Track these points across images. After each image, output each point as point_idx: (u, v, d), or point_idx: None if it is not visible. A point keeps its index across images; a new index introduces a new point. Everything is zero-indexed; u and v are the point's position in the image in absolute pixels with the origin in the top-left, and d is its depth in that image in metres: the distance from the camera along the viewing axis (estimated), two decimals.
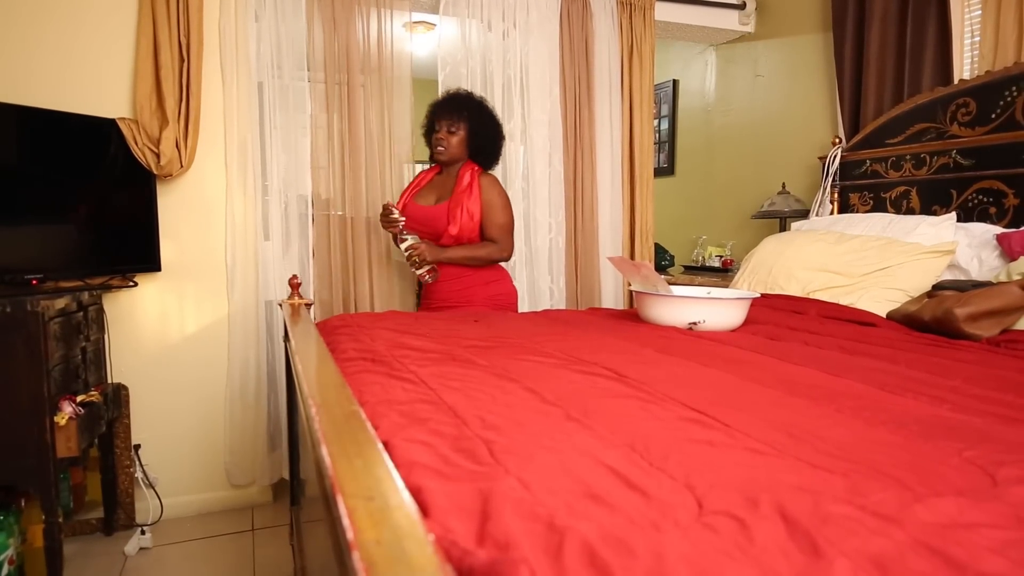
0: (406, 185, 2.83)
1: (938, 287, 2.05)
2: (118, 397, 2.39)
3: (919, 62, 2.68)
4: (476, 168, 2.45)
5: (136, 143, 2.32)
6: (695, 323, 1.80)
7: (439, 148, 2.43)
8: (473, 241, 2.42)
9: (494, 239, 2.43)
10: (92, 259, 2.33)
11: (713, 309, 1.82)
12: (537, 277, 3.05)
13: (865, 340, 1.66)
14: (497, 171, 3.00)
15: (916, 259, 2.17)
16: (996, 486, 0.72)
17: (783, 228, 3.23)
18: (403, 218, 2.35)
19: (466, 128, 2.43)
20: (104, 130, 2.30)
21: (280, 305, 2.09)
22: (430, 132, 2.48)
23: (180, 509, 2.58)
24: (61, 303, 2.00)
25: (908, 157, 2.68)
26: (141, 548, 2.33)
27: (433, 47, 4.09)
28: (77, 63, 2.36)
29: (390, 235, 2.82)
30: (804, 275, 2.35)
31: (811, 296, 2.26)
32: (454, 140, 2.43)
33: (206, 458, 2.63)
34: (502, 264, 2.56)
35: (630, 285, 2.02)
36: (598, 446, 0.83)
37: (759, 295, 2.03)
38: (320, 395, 0.87)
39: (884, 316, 2.02)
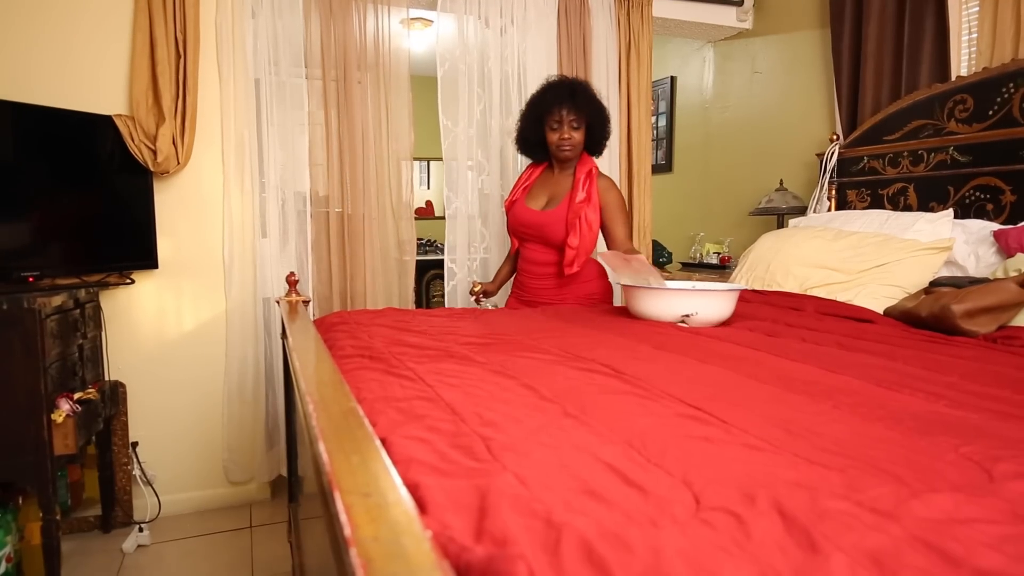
0: (404, 182, 2.83)
1: (935, 283, 2.05)
2: (115, 394, 2.38)
3: (916, 59, 2.68)
4: (591, 169, 2.29)
5: (132, 140, 2.31)
6: (688, 315, 1.78)
7: (566, 149, 2.25)
8: (591, 246, 2.28)
9: (625, 240, 2.28)
10: (89, 256, 2.32)
11: (704, 301, 1.78)
12: None
13: (862, 336, 1.67)
14: (495, 168, 3.01)
15: (913, 256, 2.17)
16: (992, 482, 0.72)
17: (781, 225, 3.24)
18: (485, 300, 2.50)
19: (586, 121, 2.26)
20: (100, 127, 2.30)
21: (278, 302, 2.09)
22: (536, 128, 2.31)
23: (178, 506, 2.58)
24: (58, 300, 1.99)
25: (905, 154, 2.68)
26: (139, 545, 2.33)
27: (431, 43, 4.09)
28: (74, 60, 2.35)
29: (388, 234, 2.82)
30: (802, 271, 2.36)
31: (808, 292, 2.26)
32: (578, 136, 2.26)
33: (204, 455, 2.63)
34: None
35: (620, 280, 1.97)
36: (595, 442, 0.83)
37: (747, 287, 2.01)
38: (318, 392, 0.87)
39: (881, 312, 2.02)
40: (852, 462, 0.76)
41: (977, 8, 2.50)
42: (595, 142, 2.34)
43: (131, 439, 2.47)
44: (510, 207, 2.41)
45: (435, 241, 5.04)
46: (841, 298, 2.15)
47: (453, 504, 0.63)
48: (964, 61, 2.61)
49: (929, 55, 2.65)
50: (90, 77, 2.37)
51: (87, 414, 2.04)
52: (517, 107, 2.97)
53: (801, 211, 3.13)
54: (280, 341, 2.38)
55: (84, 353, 2.22)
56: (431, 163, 5.98)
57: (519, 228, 2.38)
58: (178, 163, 2.40)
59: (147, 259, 2.44)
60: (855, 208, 2.90)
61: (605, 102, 3.11)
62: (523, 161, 3.01)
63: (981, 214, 2.38)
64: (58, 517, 1.87)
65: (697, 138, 4.16)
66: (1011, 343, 1.60)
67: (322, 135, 2.70)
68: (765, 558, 0.55)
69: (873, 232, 2.39)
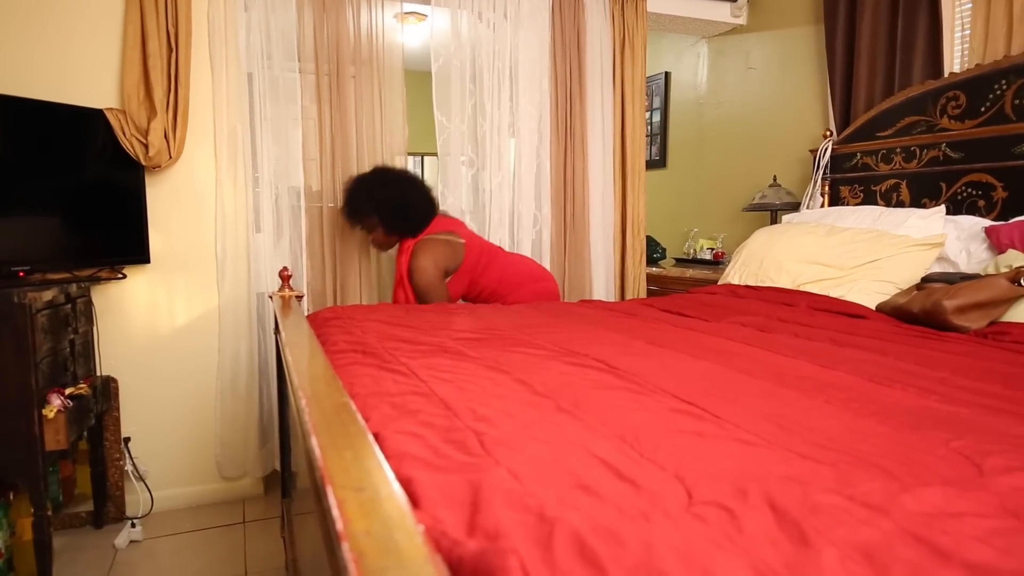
0: None
1: (927, 279, 2.07)
2: (107, 390, 2.37)
3: (910, 55, 2.69)
4: (409, 247, 2.46)
5: (124, 134, 2.29)
6: None
7: (376, 248, 2.65)
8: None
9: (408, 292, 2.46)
10: (80, 251, 2.31)
11: None
12: None
13: (855, 332, 1.67)
14: (487, 164, 3.00)
15: (906, 252, 2.18)
16: (982, 476, 0.72)
17: (774, 221, 3.24)
18: None
19: (374, 215, 2.46)
20: (92, 120, 2.28)
21: (271, 297, 2.08)
22: None
23: (171, 502, 2.57)
24: (49, 295, 1.98)
25: (898, 150, 2.69)
26: (131, 541, 2.32)
27: (425, 38, 4.07)
28: (65, 53, 2.33)
29: None
30: (795, 267, 2.36)
31: (801, 288, 2.27)
32: (377, 234, 2.53)
33: (197, 450, 2.62)
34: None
35: None
36: (589, 437, 0.83)
37: None
38: (310, 387, 0.86)
39: (874, 308, 2.03)
40: (844, 457, 0.77)
41: (970, 5, 2.51)
42: (395, 227, 2.48)
43: (123, 434, 2.45)
44: None
45: None
46: (834, 294, 2.16)
47: (446, 499, 0.63)
48: (957, 58, 2.62)
49: (922, 51, 2.66)
50: (81, 70, 2.35)
51: (78, 409, 2.03)
52: (510, 103, 2.97)
53: (794, 207, 3.14)
54: (273, 336, 2.37)
55: (75, 348, 2.21)
56: (425, 158, 5.97)
57: None
58: (170, 157, 2.38)
59: (139, 254, 2.43)
60: (848, 204, 2.91)
61: (599, 97, 3.14)
62: (517, 158, 3.02)
63: (973, 210, 2.39)
64: (49, 513, 1.86)
65: (691, 134, 4.17)
66: (1002, 339, 1.61)
67: (315, 130, 2.68)
68: (757, 552, 0.55)
69: (866, 228, 2.40)
